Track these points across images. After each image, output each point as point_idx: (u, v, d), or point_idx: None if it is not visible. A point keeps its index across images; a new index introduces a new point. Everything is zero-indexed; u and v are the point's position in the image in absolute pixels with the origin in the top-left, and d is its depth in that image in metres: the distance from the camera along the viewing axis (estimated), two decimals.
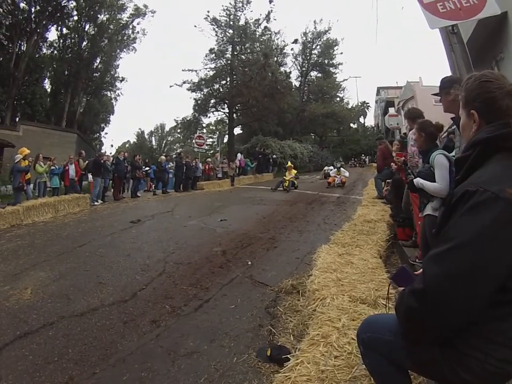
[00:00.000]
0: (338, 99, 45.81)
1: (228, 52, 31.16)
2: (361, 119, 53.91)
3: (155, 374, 2.65)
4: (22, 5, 25.47)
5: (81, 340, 3.14)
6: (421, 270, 1.60)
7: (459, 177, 1.34)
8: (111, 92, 37.85)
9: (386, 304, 2.07)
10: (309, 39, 40.42)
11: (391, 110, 35.94)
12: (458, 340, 1.20)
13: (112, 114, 40.78)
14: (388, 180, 8.31)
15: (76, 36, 30.26)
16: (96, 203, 12.05)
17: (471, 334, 1.18)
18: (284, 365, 2.24)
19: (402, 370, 1.50)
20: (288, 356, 2.36)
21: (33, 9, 25.99)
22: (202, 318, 3.56)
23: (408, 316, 1.25)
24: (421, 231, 3.85)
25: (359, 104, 51.70)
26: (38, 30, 26.71)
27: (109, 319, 3.54)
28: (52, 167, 11.90)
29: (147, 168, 17.37)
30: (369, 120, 58.38)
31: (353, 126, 50.66)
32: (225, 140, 34.19)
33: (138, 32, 33.47)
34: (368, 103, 54.77)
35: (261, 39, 32.13)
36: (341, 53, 41.74)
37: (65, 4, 27.52)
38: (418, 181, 3.66)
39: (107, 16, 30.80)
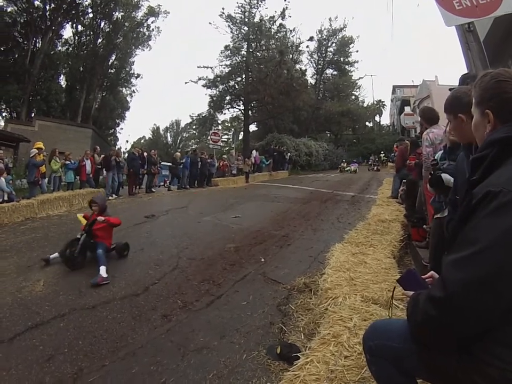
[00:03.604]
0: (353, 97, 45.59)
1: (243, 49, 31.16)
2: (377, 118, 53.14)
3: (164, 368, 2.65)
4: (37, 2, 25.86)
5: (91, 332, 3.16)
6: (430, 273, 1.55)
7: (476, 177, 1.26)
8: (127, 88, 38.28)
9: (390, 308, 2.02)
10: (324, 37, 40.04)
11: (407, 109, 35.43)
12: (476, 346, 1.14)
13: (128, 110, 41.15)
14: (403, 180, 8.21)
15: (91, 33, 30.61)
16: (110, 197, 12.11)
17: (489, 341, 1.12)
18: (293, 363, 2.20)
19: (410, 378, 1.46)
20: (298, 354, 2.33)
21: (48, 7, 26.32)
22: (213, 313, 3.57)
23: (425, 325, 1.18)
24: (433, 232, 3.68)
25: (375, 102, 51.02)
26: (53, 28, 27.05)
27: (120, 313, 3.57)
28: (67, 162, 12.01)
29: None
30: (385, 119, 57.68)
31: (369, 124, 50.09)
32: (241, 137, 34.18)
33: (153, 30, 33.82)
34: (383, 102, 54.03)
35: (276, 36, 32.01)
36: (357, 51, 41.09)
37: (80, 2, 27.81)
38: (450, 179, 3.08)
39: (122, 13, 31.07)
